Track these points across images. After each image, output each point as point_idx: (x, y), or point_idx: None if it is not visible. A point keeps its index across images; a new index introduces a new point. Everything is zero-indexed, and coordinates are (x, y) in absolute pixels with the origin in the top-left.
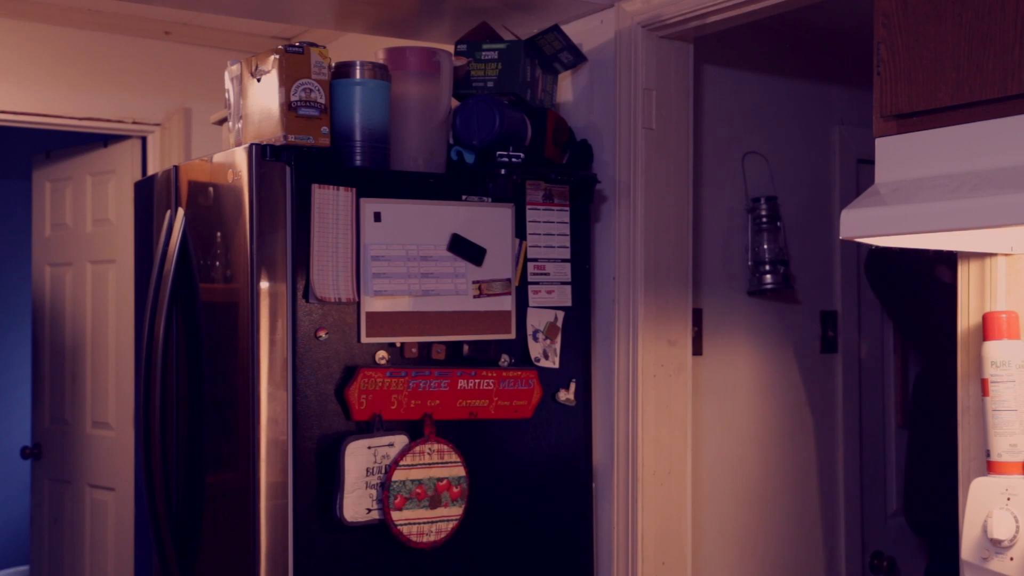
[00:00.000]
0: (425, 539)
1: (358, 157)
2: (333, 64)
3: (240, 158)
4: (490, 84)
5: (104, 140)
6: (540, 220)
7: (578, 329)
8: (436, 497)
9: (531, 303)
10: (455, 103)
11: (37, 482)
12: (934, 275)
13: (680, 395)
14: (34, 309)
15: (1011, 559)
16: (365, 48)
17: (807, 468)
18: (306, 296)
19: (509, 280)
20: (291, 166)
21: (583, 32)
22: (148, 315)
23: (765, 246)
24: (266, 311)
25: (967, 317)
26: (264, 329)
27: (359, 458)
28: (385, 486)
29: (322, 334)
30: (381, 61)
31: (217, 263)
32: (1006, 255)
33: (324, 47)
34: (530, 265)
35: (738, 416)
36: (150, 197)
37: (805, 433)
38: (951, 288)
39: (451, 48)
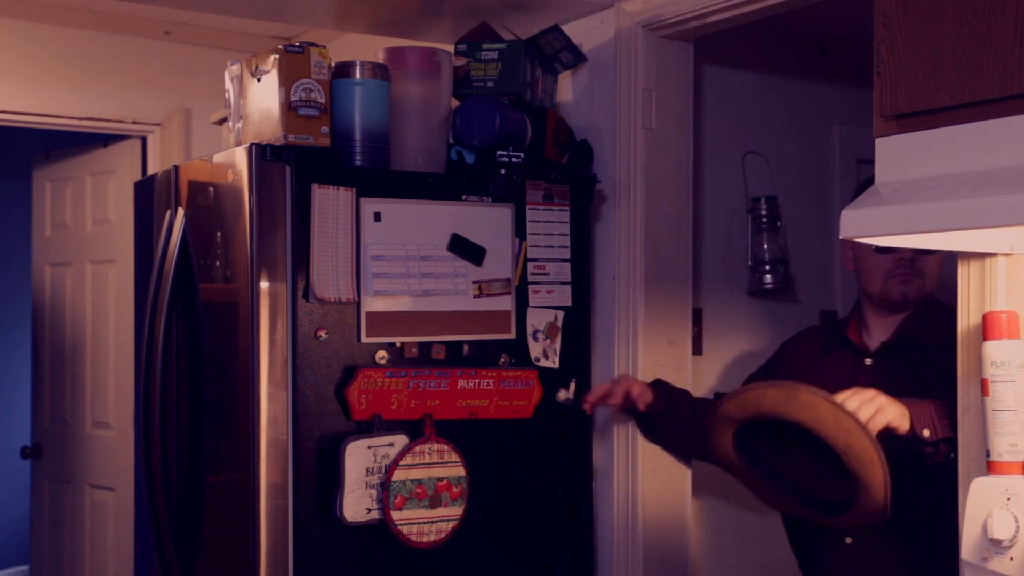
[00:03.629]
0: (425, 539)
1: (358, 157)
2: (333, 64)
3: (240, 158)
4: (490, 84)
5: (104, 140)
6: (540, 220)
7: (578, 329)
8: (436, 497)
9: (531, 303)
10: (455, 103)
11: (37, 482)
12: None
13: None
14: (34, 309)
15: (1011, 559)
16: (365, 48)
17: None
18: (306, 296)
19: (509, 280)
20: (291, 166)
21: (583, 32)
22: (148, 315)
23: (765, 246)
24: (266, 311)
25: (967, 317)
26: (264, 329)
27: (359, 458)
28: (385, 486)
29: (322, 334)
30: (381, 61)
31: (217, 263)
32: (1006, 255)
33: (324, 47)
34: (530, 265)
35: None
36: (150, 197)
37: None
38: None
39: (451, 48)
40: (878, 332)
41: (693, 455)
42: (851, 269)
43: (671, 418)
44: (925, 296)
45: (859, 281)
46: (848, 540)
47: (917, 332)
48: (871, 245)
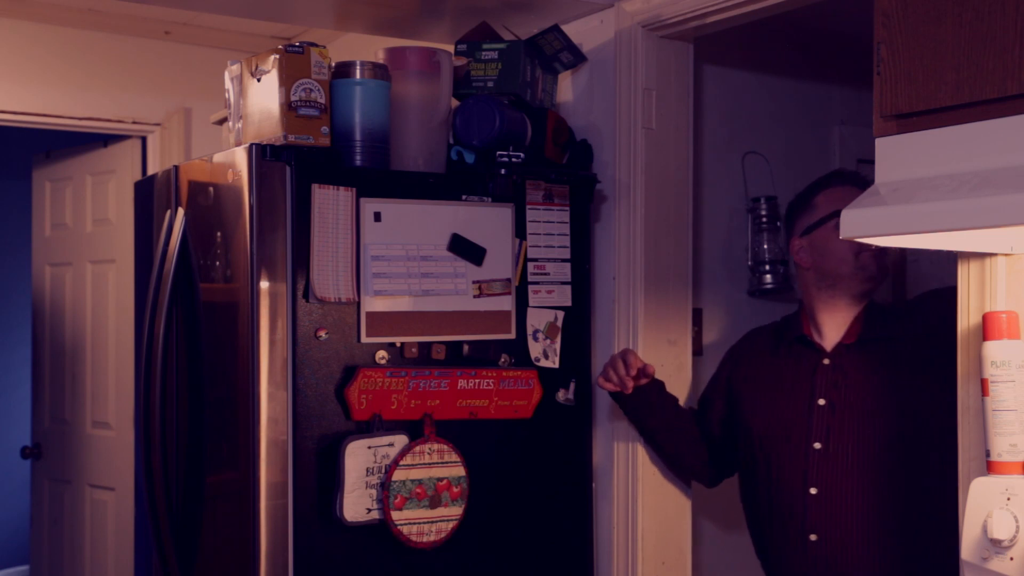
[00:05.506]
0: (425, 539)
1: (358, 157)
2: (333, 64)
3: (240, 158)
4: (490, 84)
5: (104, 140)
6: (540, 220)
7: (578, 329)
8: (436, 497)
9: (531, 303)
10: (455, 103)
11: (37, 482)
12: None
13: (680, 395)
14: (34, 309)
15: (1011, 559)
16: (365, 48)
17: None
18: (306, 296)
19: (509, 280)
20: (291, 166)
21: (583, 32)
22: (148, 315)
23: (765, 246)
24: (266, 311)
25: (967, 317)
26: (264, 329)
27: (359, 458)
28: (385, 486)
29: (322, 334)
30: (381, 61)
31: (217, 263)
32: (1006, 255)
33: (324, 47)
34: (530, 265)
35: None
36: (150, 197)
37: None
38: None
39: (451, 48)
40: (830, 332)
41: (667, 459)
42: (805, 265)
43: (656, 413)
44: (890, 273)
45: (814, 274)
46: (813, 537)
47: (874, 328)
48: (837, 224)
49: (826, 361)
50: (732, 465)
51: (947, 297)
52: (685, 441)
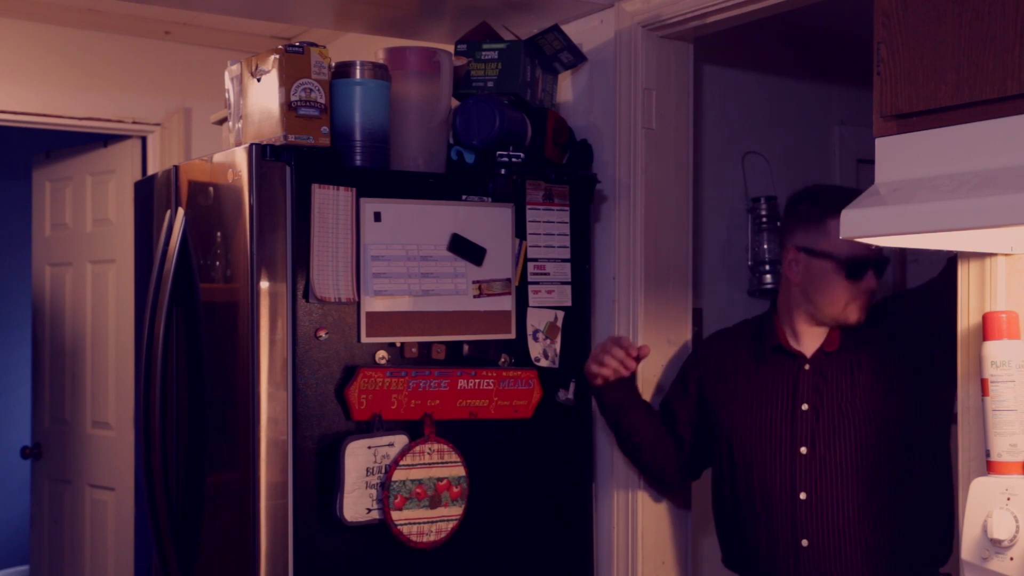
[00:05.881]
0: (425, 539)
1: (358, 157)
2: (333, 64)
3: (240, 158)
4: (490, 84)
5: (104, 140)
6: (540, 220)
7: (578, 329)
8: (436, 497)
9: (531, 303)
10: (455, 103)
11: (37, 482)
12: None
13: None
14: (34, 309)
15: (1011, 559)
16: (365, 48)
17: None
18: (306, 296)
19: (509, 280)
20: (291, 166)
21: (583, 32)
22: (148, 315)
23: (765, 246)
24: (266, 311)
25: (967, 317)
26: (264, 329)
27: (359, 458)
28: (385, 486)
29: (322, 334)
30: (381, 61)
31: (217, 263)
32: (1006, 255)
33: (324, 47)
34: (530, 265)
35: None
36: (150, 197)
37: None
38: None
39: (451, 48)
40: (808, 340)
41: (641, 459)
42: (793, 280)
43: (635, 413)
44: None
45: (799, 292)
46: (804, 543)
47: (854, 336)
48: (839, 269)
49: (807, 367)
50: (698, 469)
51: (938, 296)
52: (659, 443)
